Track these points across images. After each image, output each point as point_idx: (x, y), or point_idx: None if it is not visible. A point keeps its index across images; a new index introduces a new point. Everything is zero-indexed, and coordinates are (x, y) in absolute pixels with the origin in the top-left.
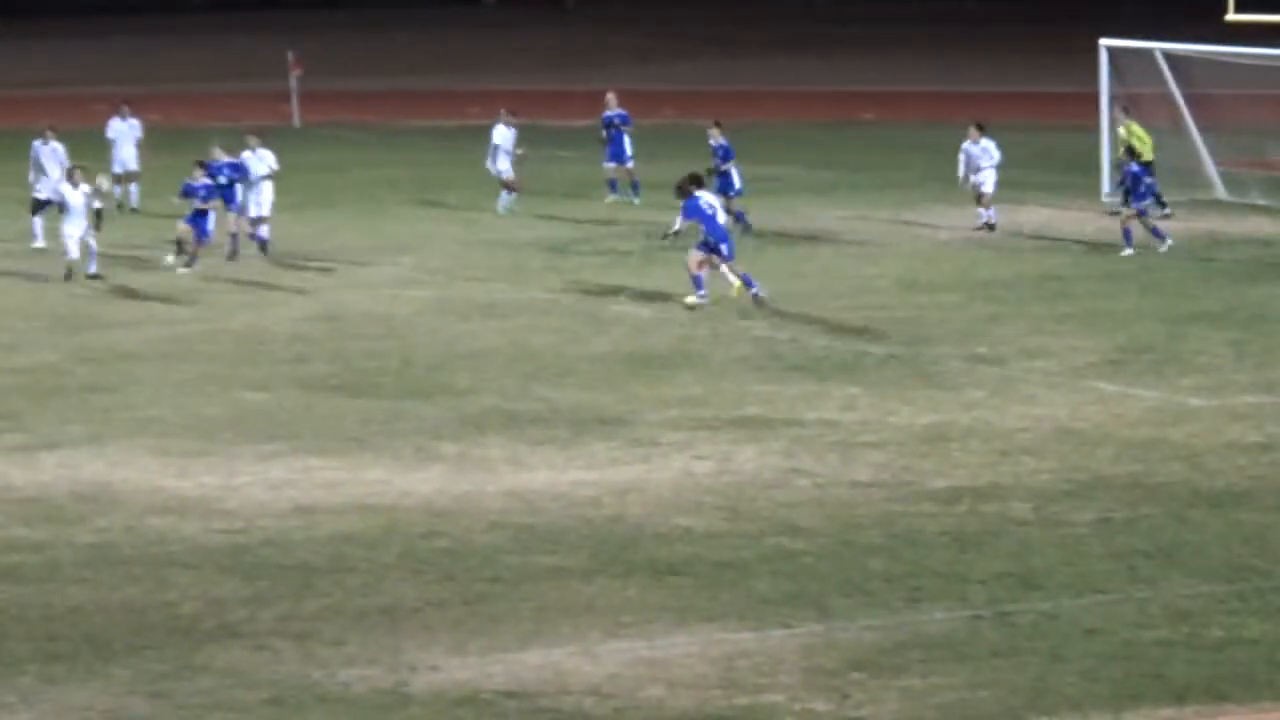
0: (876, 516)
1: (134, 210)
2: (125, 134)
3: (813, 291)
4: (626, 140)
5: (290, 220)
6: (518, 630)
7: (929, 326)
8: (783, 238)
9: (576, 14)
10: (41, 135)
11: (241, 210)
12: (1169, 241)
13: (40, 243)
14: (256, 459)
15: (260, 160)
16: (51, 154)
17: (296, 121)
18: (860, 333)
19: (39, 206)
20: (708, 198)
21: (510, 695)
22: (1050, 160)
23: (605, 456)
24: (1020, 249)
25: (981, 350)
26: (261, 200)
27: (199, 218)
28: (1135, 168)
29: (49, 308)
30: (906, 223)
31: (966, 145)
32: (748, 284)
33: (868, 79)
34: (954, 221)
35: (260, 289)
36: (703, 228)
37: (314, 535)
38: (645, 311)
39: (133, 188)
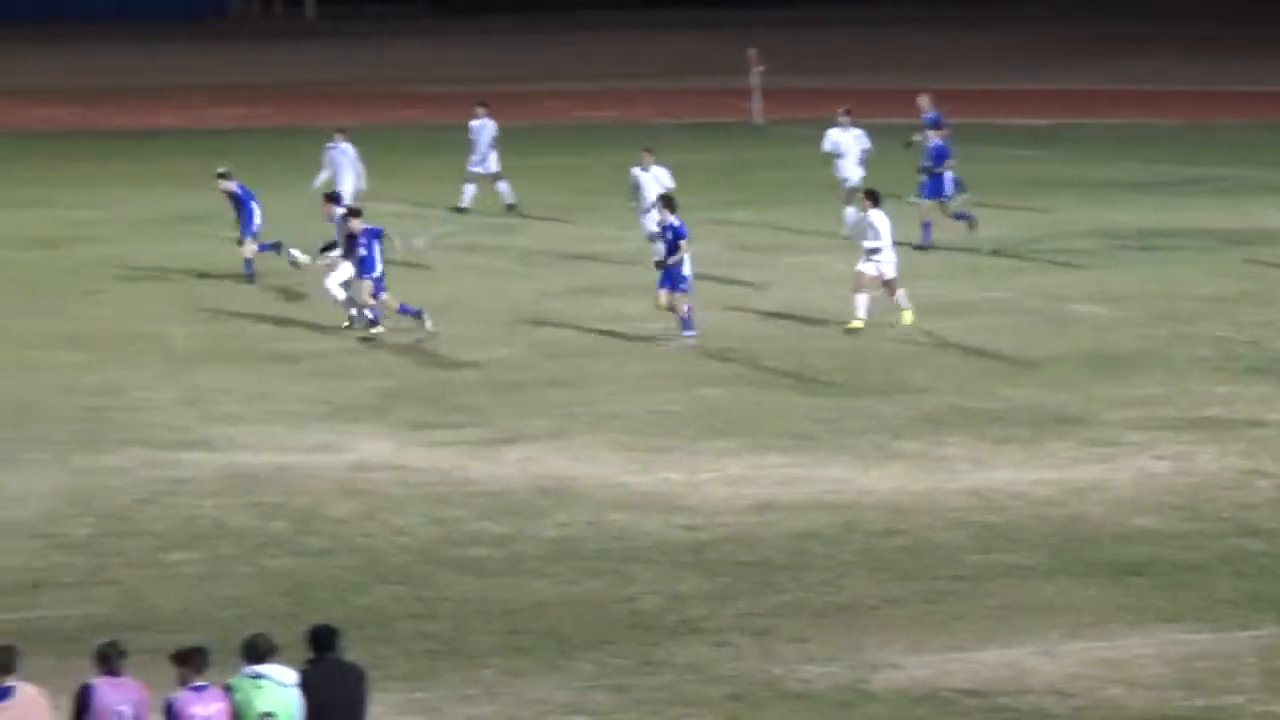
0: None
1: (511, 206)
2: (482, 133)
3: (1266, 292)
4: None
5: (750, 216)
6: (978, 629)
7: None
8: (1232, 236)
9: (1035, 10)
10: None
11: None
12: None
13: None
14: (716, 455)
15: (654, 180)
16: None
17: (757, 119)
18: None
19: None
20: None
21: (970, 694)
22: None
23: (1065, 456)
24: None
25: None
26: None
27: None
28: None
29: (509, 302)
30: None
31: None
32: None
33: None
34: None
35: (716, 285)
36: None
37: (774, 532)
38: (1105, 311)
39: (502, 185)
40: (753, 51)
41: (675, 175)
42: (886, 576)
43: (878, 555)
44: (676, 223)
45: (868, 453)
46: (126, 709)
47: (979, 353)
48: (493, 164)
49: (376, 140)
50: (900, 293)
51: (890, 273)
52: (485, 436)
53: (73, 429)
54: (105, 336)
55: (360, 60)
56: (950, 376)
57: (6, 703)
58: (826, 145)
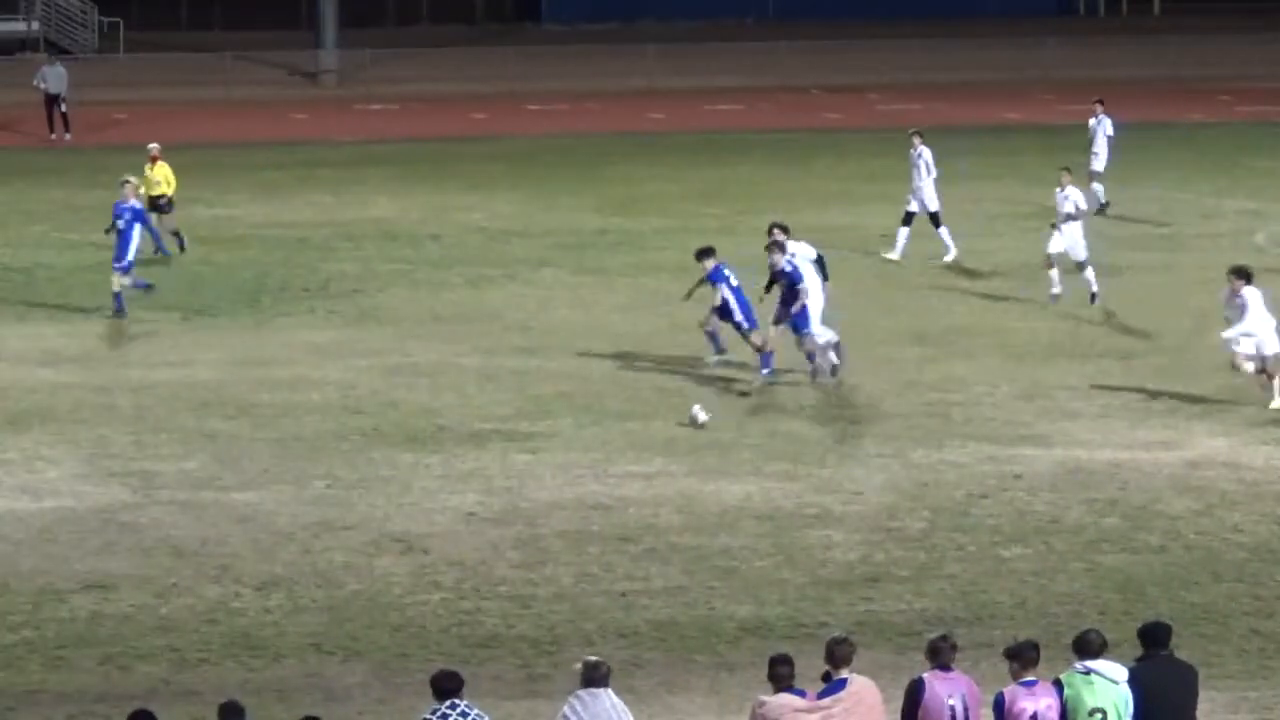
0: None
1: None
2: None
3: None
4: None
5: None
6: None
7: None
8: None
9: None
10: None
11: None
12: None
13: None
14: None
15: (1066, 200)
16: None
17: None
18: None
19: None
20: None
21: None
22: None
23: None
24: None
25: None
26: (1074, 243)
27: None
28: None
29: None
30: None
31: None
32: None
33: None
34: None
35: None
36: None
37: None
38: None
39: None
40: None
41: None
42: None
43: None
44: (788, 268)
45: None
46: (956, 703)
47: None
48: (1096, 163)
49: (1216, 136)
50: None
51: None
52: None
53: (913, 423)
54: (947, 332)
55: (1195, 57)
56: None
57: (840, 693)
58: None
